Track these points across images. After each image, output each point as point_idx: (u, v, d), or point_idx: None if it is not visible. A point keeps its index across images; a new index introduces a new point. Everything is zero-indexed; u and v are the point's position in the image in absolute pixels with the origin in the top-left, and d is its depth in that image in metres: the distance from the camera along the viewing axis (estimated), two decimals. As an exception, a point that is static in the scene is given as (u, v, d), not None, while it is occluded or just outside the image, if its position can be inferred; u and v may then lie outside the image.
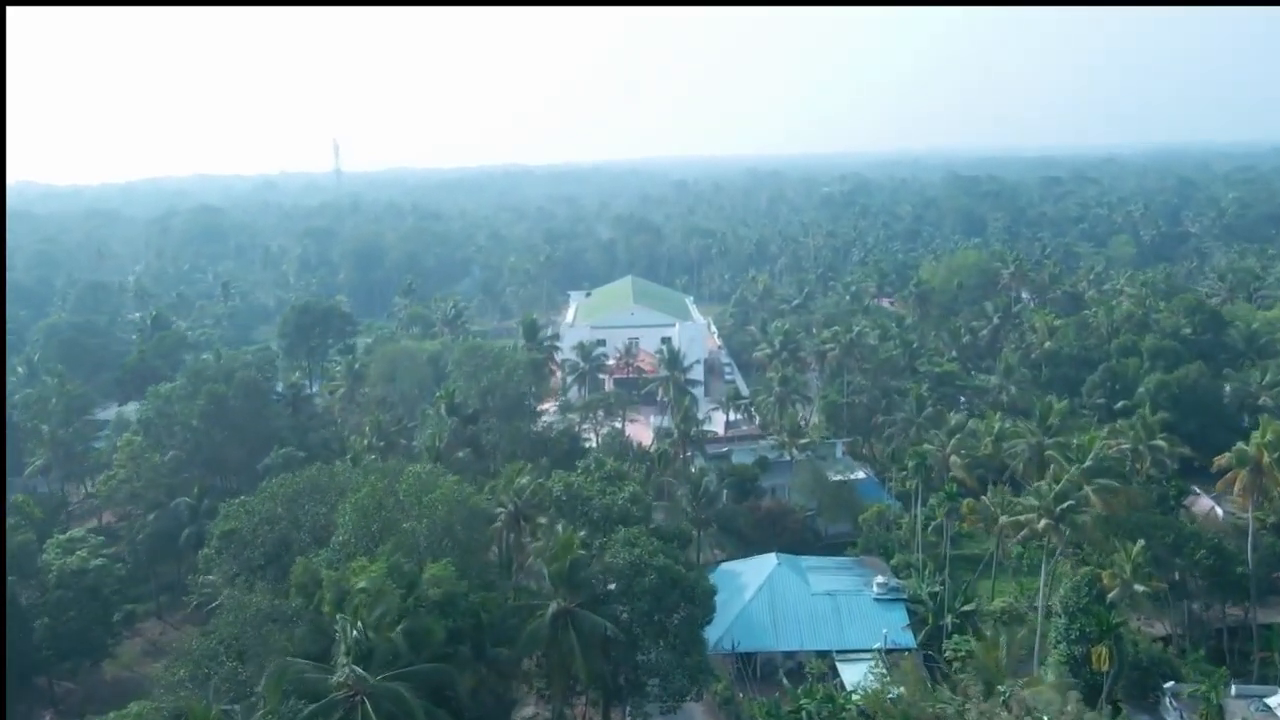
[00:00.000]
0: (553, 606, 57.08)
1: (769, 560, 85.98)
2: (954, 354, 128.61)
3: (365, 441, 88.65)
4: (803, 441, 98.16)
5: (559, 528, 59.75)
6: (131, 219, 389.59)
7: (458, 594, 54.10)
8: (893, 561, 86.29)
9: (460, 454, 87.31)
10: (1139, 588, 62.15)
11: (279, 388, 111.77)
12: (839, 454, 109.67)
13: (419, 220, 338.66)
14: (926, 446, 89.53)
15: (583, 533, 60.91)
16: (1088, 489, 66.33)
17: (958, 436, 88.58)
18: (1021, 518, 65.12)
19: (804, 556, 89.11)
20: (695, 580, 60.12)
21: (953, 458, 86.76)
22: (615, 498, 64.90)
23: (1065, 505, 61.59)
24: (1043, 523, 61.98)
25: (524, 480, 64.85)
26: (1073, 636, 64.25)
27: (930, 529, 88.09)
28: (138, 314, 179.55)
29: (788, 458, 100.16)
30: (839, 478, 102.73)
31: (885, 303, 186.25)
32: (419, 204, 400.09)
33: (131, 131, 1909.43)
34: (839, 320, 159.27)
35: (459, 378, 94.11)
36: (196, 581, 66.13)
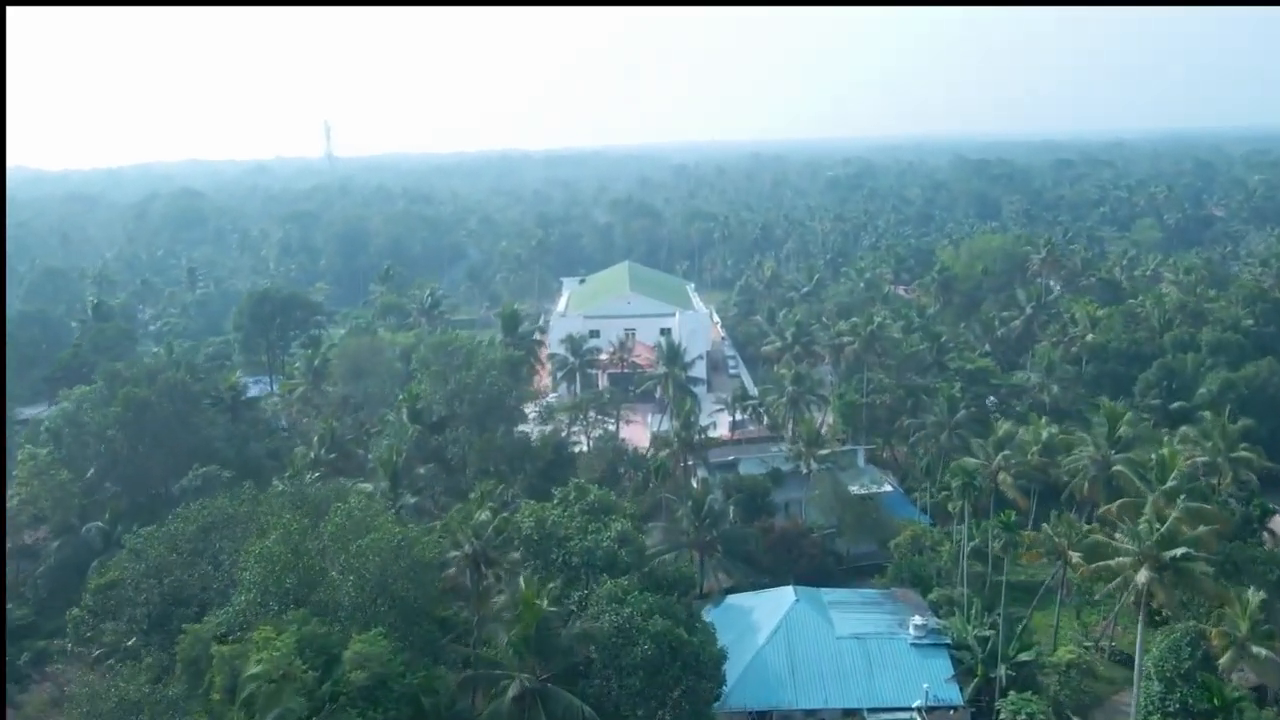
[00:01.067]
0: (515, 685, 44.29)
1: (785, 595, 73.12)
2: (987, 348, 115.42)
3: (312, 454, 75.71)
4: (823, 453, 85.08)
5: (521, 580, 46.78)
6: (112, 204, 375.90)
7: (391, 675, 41.29)
8: (930, 596, 73.34)
9: (423, 469, 74.48)
10: (1259, 651, 49.16)
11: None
12: (860, 462, 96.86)
13: (409, 204, 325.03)
14: (970, 461, 76.46)
15: (554, 584, 48.03)
16: (1192, 528, 52.65)
17: (1005, 451, 75.23)
18: (1112, 563, 51.88)
19: (825, 589, 76.35)
20: (700, 646, 47.26)
21: (1002, 475, 73.64)
22: (600, 537, 51.95)
23: (1178, 553, 48.33)
24: (1143, 574, 48.84)
25: (484, 515, 51.81)
26: (1170, 709, 51.57)
27: (969, 549, 75.40)
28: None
29: (804, 470, 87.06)
30: (862, 491, 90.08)
31: (900, 290, 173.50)
32: (410, 188, 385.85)
33: (126, 116, 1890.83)
34: (855, 309, 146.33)
35: (425, 378, 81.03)
36: (67, 650, 53.11)
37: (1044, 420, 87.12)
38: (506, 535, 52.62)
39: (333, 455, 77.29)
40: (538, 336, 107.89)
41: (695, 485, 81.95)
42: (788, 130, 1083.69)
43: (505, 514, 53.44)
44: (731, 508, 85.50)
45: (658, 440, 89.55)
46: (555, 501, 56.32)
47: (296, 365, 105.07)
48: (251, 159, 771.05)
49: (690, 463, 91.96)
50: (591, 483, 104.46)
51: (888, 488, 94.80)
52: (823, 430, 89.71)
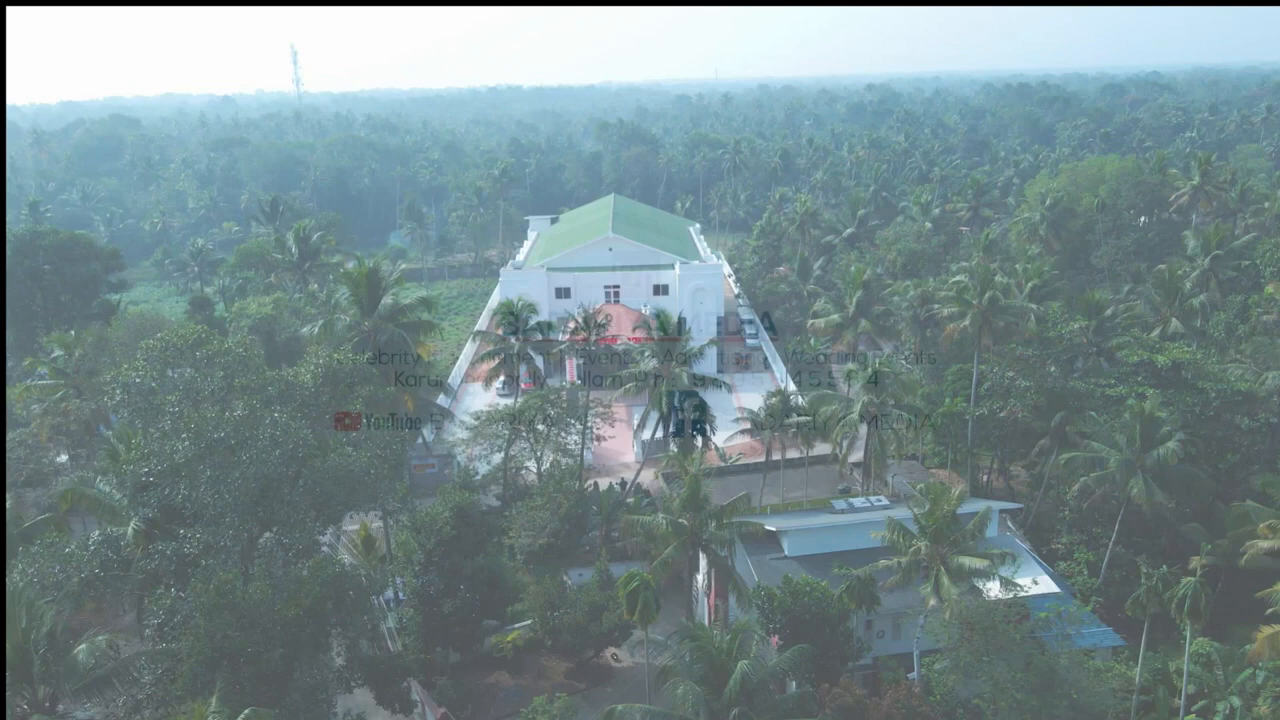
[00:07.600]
0: None
1: None
2: (1176, 325, 73.25)
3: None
4: (972, 563, 43.58)
5: None
6: (38, 136, 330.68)
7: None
8: None
9: (103, 639, 33.09)
10: None
11: None
12: (993, 530, 55.43)
13: (370, 133, 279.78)
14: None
15: None
16: None
17: None
18: None
19: None
20: None
21: None
22: None
23: None
24: None
25: None
26: None
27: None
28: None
29: (928, 589, 45.38)
30: (1006, 589, 48.37)
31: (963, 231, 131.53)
32: (374, 115, 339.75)
33: (112, 50, 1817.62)
34: (925, 261, 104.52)
35: (128, 419, 39.21)
36: None
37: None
38: None
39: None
40: (412, 315, 62.47)
41: (711, 641, 40.42)
42: (791, 69, 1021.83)
43: None
44: (773, 641, 45.49)
45: (640, 527, 47.36)
46: None
47: (53, 358, 63.65)
48: (235, 93, 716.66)
49: (703, 545, 50.61)
50: (534, 553, 64.74)
51: (1046, 582, 53.96)
52: (952, 495, 47.42)
